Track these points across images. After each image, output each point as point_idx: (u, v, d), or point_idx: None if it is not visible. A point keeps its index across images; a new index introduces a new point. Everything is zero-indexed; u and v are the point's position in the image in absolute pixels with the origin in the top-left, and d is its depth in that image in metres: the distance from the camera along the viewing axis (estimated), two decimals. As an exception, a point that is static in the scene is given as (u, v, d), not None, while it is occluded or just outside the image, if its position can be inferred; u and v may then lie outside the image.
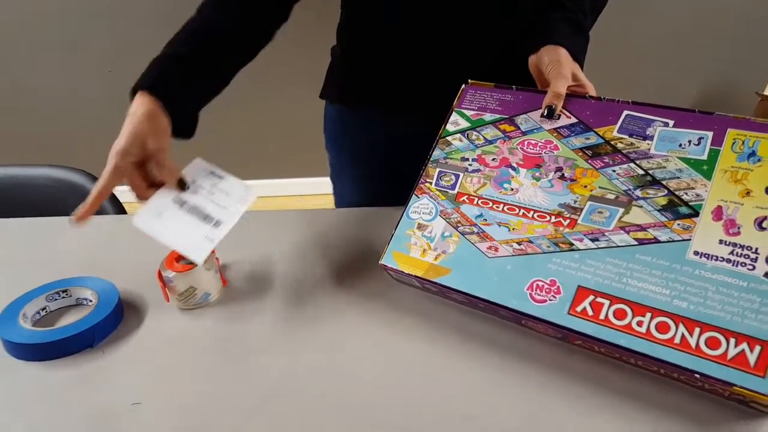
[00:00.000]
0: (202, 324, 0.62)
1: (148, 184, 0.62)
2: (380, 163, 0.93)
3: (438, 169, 0.67)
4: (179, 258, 0.65)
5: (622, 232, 0.55)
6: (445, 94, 0.80)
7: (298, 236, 0.79)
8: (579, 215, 0.57)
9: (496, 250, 0.59)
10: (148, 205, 0.62)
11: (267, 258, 0.74)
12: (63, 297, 0.66)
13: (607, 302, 0.52)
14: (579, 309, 0.53)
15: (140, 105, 0.61)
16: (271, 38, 0.75)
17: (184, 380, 0.54)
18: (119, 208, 0.94)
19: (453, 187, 0.65)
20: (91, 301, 0.65)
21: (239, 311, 0.64)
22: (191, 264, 0.63)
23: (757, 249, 0.49)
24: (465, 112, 0.70)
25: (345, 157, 0.96)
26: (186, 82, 0.65)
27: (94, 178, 0.96)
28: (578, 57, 0.71)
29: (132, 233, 0.61)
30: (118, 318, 0.63)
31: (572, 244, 0.56)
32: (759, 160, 0.52)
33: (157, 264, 0.65)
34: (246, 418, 0.50)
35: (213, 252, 0.65)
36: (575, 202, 0.58)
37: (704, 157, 0.55)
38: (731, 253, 0.50)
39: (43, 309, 0.65)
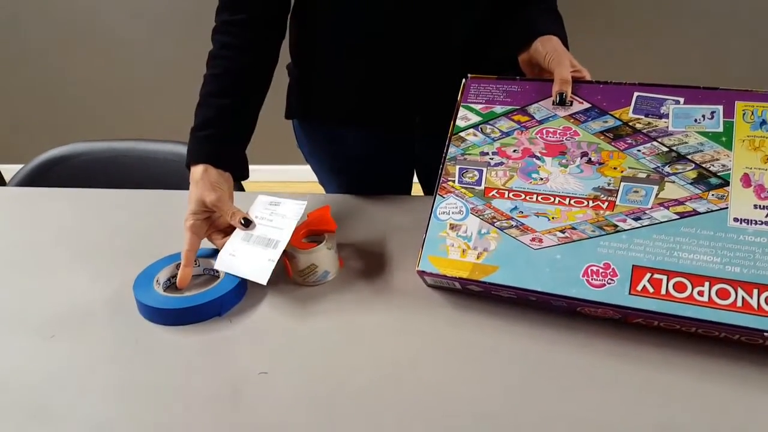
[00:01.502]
0: (321, 300, 0.63)
1: (223, 235, 0.68)
2: (362, 172, 0.90)
3: (458, 167, 0.65)
4: (305, 235, 0.68)
5: (661, 208, 0.56)
6: (403, 102, 0.81)
7: (402, 220, 0.79)
8: (616, 197, 0.58)
9: (541, 241, 0.58)
10: (224, 249, 0.67)
11: (381, 241, 0.75)
12: (193, 266, 0.66)
13: (664, 277, 0.53)
14: (639, 288, 0.53)
15: (194, 173, 0.67)
16: (277, 59, 0.76)
17: (307, 353, 0.55)
18: (240, 187, 0.93)
19: (479, 183, 0.63)
20: (217, 272, 0.66)
21: (355, 291, 0.65)
22: (315, 242, 0.66)
23: (790, 209, 0.52)
24: (473, 106, 0.67)
25: (327, 169, 0.92)
26: (226, 137, 0.70)
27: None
28: (566, 44, 0.72)
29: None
30: (243, 289, 0.64)
31: (616, 226, 0.56)
32: (771, 128, 0.56)
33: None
34: (362, 394, 0.50)
35: (334, 233, 0.68)
36: (609, 184, 0.59)
37: (720, 129, 0.57)
38: (768, 215, 0.53)
39: (173, 276, 0.67)
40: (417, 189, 0.98)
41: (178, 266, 0.66)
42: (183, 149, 1.03)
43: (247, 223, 0.66)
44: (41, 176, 1.05)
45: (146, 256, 0.68)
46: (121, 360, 0.56)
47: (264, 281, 0.61)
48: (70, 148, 1.08)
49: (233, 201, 0.69)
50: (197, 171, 0.67)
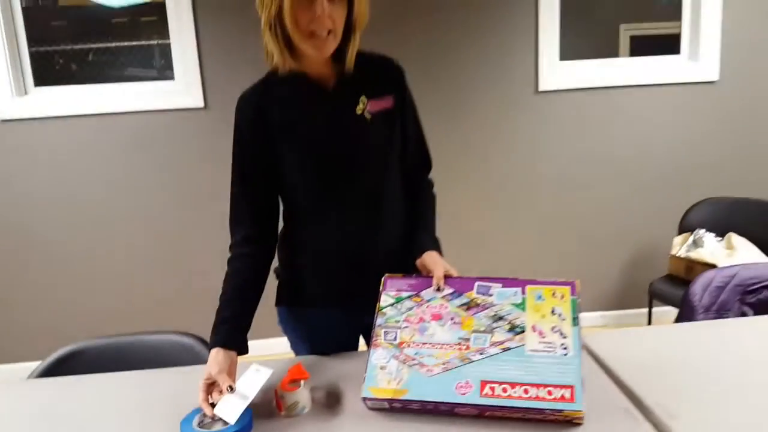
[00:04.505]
0: (301, 426, 0.94)
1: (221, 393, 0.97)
2: (325, 339, 1.26)
3: (383, 330, 1.04)
4: (289, 381, 0.97)
5: (493, 347, 0.96)
6: (356, 291, 1.19)
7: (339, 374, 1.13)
8: (470, 342, 0.97)
9: (432, 371, 0.95)
10: (222, 399, 0.95)
11: (336, 383, 1.08)
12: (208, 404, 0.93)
13: (497, 385, 0.91)
14: (485, 392, 0.90)
15: (211, 353, 1.01)
16: (269, 271, 1.16)
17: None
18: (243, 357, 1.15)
19: (395, 339, 1.02)
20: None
21: (321, 417, 0.96)
22: (297, 385, 0.97)
23: (553, 342, 0.93)
24: (389, 293, 1.09)
25: (300, 338, 1.27)
26: (234, 329, 1.05)
27: (202, 340, 1.31)
28: (441, 253, 1.17)
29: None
30: (251, 425, 0.93)
31: (471, 359, 0.95)
32: (543, 300, 0.99)
33: (272, 388, 1.00)
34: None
35: (307, 379, 0.99)
36: (466, 335, 0.99)
37: (520, 301, 1.01)
38: (545, 347, 0.93)
39: (203, 420, 0.94)
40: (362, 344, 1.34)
41: (204, 415, 0.94)
42: (182, 339, 1.30)
43: (231, 390, 0.94)
44: (56, 371, 1.20)
45: (178, 411, 0.96)
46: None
47: (231, 421, 0.90)
48: (80, 345, 1.24)
49: (235, 369, 1.01)
50: (212, 352, 1.00)
